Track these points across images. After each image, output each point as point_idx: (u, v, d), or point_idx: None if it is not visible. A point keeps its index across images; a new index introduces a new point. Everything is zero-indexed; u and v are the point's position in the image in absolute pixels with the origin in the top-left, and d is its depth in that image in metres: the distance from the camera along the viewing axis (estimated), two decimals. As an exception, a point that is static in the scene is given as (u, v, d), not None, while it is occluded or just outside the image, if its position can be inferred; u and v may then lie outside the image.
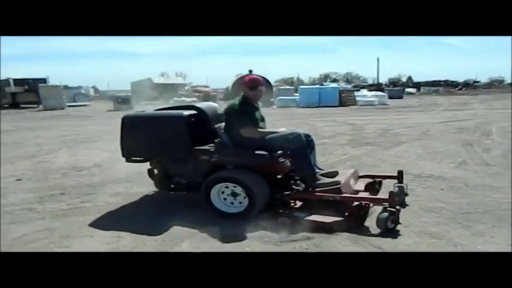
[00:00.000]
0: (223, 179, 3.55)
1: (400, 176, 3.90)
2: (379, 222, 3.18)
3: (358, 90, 29.53)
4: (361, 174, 4.14)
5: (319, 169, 3.85)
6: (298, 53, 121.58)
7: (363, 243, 3.02)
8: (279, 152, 3.57)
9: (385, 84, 46.09)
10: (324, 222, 3.24)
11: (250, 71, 26.54)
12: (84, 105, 27.79)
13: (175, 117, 3.85)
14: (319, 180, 3.61)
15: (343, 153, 6.89)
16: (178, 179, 3.94)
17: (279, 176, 3.72)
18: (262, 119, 3.98)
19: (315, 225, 3.23)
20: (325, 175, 3.73)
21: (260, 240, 3.08)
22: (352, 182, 3.77)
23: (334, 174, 3.79)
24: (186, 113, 3.82)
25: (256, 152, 3.48)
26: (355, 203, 3.51)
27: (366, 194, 3.72)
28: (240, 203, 3.53)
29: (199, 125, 3.84)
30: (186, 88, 36.95)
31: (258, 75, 26.40)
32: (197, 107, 4.05)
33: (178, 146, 3.77)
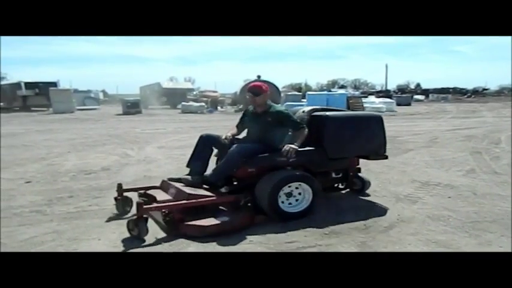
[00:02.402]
0: None
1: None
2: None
3: (366, 97, 29.45)
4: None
5: None
6: (307, 59, 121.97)
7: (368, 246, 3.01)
8: None
9: (393, 91, 45.89)
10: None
11: (259, 77, 26.65)
12: (94, 109, 28.04)
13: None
14: None
15: (350, 159, 6.86)
16: None
17: None
18: (256, 125, 3.96)
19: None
20: None
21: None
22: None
23: None
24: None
25: None
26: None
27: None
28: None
29: None
30: (195, 93, 37.15)
31: (265, 80, 26.49)
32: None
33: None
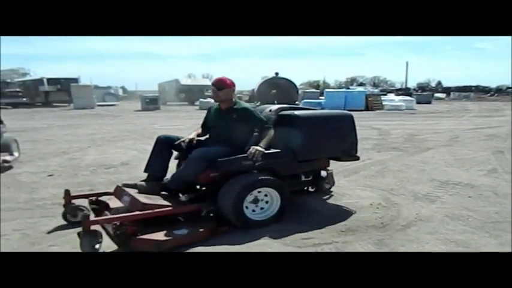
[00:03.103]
0: None
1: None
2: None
3: (385, 95, 29.10)
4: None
5: None
6: (326, 56, 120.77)
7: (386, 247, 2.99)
8: None
9: (414, 89, 45.17)
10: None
11: (277, 74, 26.60)
12: (113, 105, 28.48)
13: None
14: None
15: (368, 157, 6.81)
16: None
17: None
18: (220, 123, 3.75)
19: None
20: None
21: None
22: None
23: None
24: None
25: None
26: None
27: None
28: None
29: None
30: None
31: (283, 77, 26.42)
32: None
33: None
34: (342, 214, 3.73)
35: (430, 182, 5.01)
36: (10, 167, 5.98)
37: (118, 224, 2.95)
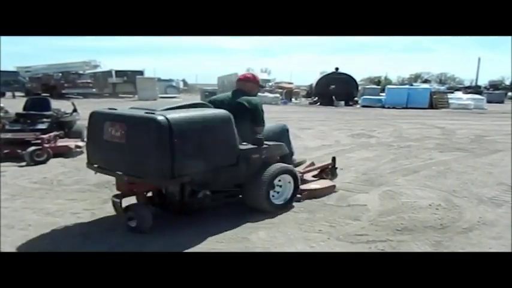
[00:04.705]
0: (281, 172, 3.60)
1: (333, 161, 4.61)
2: None
3: (452, 92, 27.52)
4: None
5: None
6: (389, 51, 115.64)
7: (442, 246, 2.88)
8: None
9: (484, 87, 42.15)
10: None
11: (337, 69, 26.10)
12: (174, 97, 29.54)
13: (222, 117, 3.24)
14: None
15: (430, 157, 6.52)
16: (204, 193, 3.33)
17: None
18: None
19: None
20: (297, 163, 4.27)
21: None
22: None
23: (303, 161, 4.51)
24: (225, 112, 3.30)
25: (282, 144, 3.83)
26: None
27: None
28: (278, 193, 3.68)
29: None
30: (270, 84, 37.41)
31: (341, 72, 25.88)
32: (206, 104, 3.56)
33: (231, 149, 3.27)
34: (398, 212, 3.64)
35: (497, 185, 4.71)
36: (82, 152, 6.46)
37: None
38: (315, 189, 4.09)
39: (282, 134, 4.13)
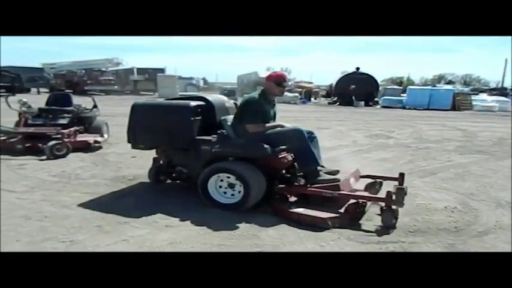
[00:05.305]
0: (220, 170, 3.59)
1: (401, 178, 3.61)
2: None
3: (477, 94, 26.88)
4: (363, 174, 4.12)
5: (322, 167, 3.84)
6: (412, 51, 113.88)
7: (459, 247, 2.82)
8: (282, 147, 3.60)
9: (511, 89, 40.98)
10: (318, 217, 3.25)
11: (357, 69, 25.84)
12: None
13: (181, 107, 3.93)
14: (320, 176, 3.67)
15: (448, 159, 6.39)
16: (180, 169, 4.15)
17: (283, 171, 3.73)
18: (274, 116, 4.07)
19: (309, 220, 3.25)
20: (327, 173, 3.79)
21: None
22: (352, 180, 3.82)
23: (335, 172, 3.86)
24: (193, 103, 3.91)
25: (257, 144, 3.56)
26: (352, 201, 3.47)
27: (365, 193, 3.72)
28: (233, 195, 3.59)
29: (205, 115, 3.97)
30: (290, 83, 37.32)
31: (362, 72, 25.59)
32: (205, 99, 4.13)
33: (182, 135, 3.84)
34: (412, 214, 3.58)
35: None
36: (100, 147, 6.60)
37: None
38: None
39: (295, 139, 3.69)
